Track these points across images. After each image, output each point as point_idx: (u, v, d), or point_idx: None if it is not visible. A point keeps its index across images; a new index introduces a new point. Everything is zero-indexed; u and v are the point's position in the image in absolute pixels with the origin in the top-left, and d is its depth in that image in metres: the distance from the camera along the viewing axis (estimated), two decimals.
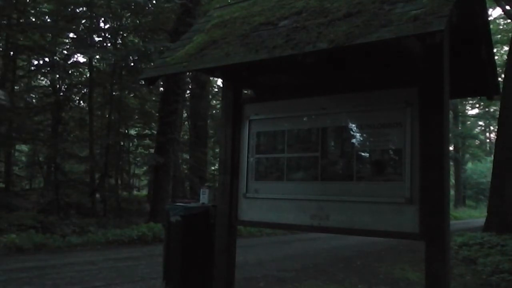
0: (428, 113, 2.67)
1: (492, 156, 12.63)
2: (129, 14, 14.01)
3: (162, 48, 11.33)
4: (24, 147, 18.01)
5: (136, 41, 15.07)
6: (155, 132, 15.23)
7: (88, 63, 14.21)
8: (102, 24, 14.45)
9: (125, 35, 14.79)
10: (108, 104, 14.63)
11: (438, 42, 2.10)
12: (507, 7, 12.22)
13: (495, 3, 12.91)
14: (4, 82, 13.39)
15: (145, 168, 18.46)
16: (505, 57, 14.42)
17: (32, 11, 13.33)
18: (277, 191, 3.32)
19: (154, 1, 14.09)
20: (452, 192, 28.07)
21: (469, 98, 22.99)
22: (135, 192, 19.99)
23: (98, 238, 9.82)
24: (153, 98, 16.97)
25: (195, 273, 3.98)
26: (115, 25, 14.27)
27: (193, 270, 3.98)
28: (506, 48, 18.36)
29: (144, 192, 21.66)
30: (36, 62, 14.74)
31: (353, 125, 2.97)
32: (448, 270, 2.60)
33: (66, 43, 14.71)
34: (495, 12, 23.36)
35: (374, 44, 2.25)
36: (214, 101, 20.44)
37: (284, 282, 5.90)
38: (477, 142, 33.71)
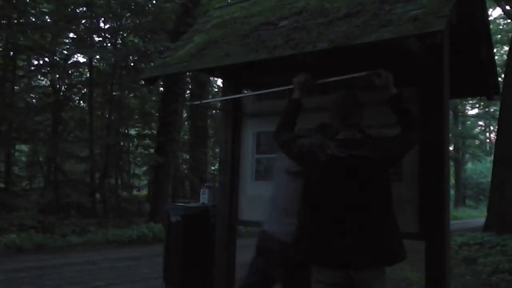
0: (428, 113, 2.67)
1: (492, 156, 12.61)
2: (129, 14, 13.99)
3: (162, 48, 11.31)
4: (24, 147, 17.99)
5: (136, 41, 15.05)
6: (155, 132, 15.22)
7: (88, 63, 14.20)
8: (102, 24, 14.45)
9: (125, 35, 14.77)
10: (108, 104, 14.61)
11: (438, 42, 2.10)
12: (507, 7, 12.21)
13: (495, 3, 12.90)
14: (4, 82, 13.38)
15: (145, 168, 18.45)
16: (505, 57, 14.41)
17: (32, 11, 13.30)
18: None
19: (154, 1, 14.08)
20: (452, 192, 28.05)
21: (469, 98, 22.97)
22: (135, 192, 19.97)
23: (98, 238, 9.81)
24: (153, 98, 16.95)
25: (195, 273, 3.98)
26: (115, 25, 14.26)
27: (193, 270, 3.98)
28: (506, 48, 18.33)
29: (144, 192, 21.64)
30: (36, 62, 14.73)
31: None
32: (448, 270, 2.60)
33: (66, 43, 14.70)
34: (495, 12, 23.34)
35: (374, 44, 2.26)
36: None
37: None
38: (477, 142, 33.66)
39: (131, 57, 13.66)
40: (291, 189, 2.63)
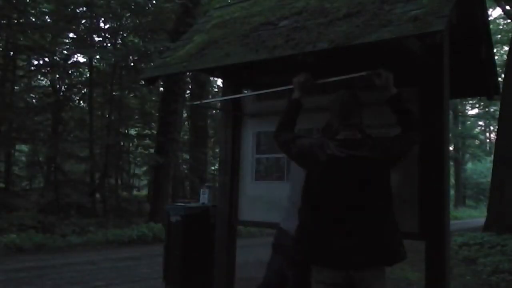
0: (428, 113, 2.67)
1: (492, 156, 12.61)
2: (129, 14, 13.99)
3: (162, 48, 11.32)
4: (24, 147, 17.99)
5: (136, 41, 15.06)
6: (155, 132, 15.22)
7: (88, 63, 14.20)
8: (102, 24, 14.45)
9: (125, 35, 14.77)
10: (108, 104, 14.61)
11: (438, 42, 2.10)
12: (507, 7, 12.21)
13: (495, 3, 12.90)
14: (4, 82, 13.38)
15: (145, 168, 18.45)
16: (505, 57, 14.41)
17: (32, 11, 13.30)
18: (277, 191, 3.31)
19: (154, 1, 14.08)
20: (452, 192, 28.05)
21: (469, 98, 22.97)
22: (135, 192, 19.97)
23: (98, 238, 9.81)
24: (153, 98, 16.95)
25: (195, 273, 3.98)
26: (115, 25, 14.26)
27: (193, 270, 3.98)
28: (506, 48, 18.33)
29: (144, 192, 21.65)
30: (36, 62, 14.73)
31: None
32: (448, 270, 2.60)
33: (66, 43, 14.70)
34: (495, 12, 23.35)
35: (374, 44, 2.25)
36: None
37: None
38: (477, 142, 33.65)
39: (131, 57, 13.66)
40: None
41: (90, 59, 13.73)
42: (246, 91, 3.94)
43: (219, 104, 4.34)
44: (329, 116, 2.41)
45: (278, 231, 2.83)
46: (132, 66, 14.18)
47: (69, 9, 13.34)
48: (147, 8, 13.63)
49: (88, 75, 14.71)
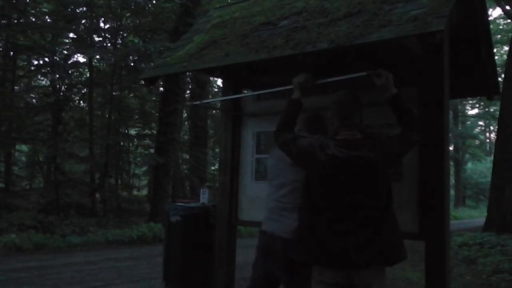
0: (428, 113, 2.67)
1: (492, 156, 12.61)
2: (129, 14, 14.00)
3: (162, 48, 11.32)
4: (24, 147, 18.00)
5: (136, 41, 15.06)
6: (155, 132, 15.22)
7: (88, 63, 14.21)
8: (102, 24, 14.45)
9: (125, 35, 14.78)
10: (108, 104, 14.61)
11: (438, 42, 2.10)
12: (507, 7, 12.22)
13: (495, 3, 12.90)
14: (4, 82, 13.38)
15: (145, 168, 18.45)
16: (505, 57, 14.41)
17: (32, 11, 13.30)
18: None
19: (154, 1, 14.08)
20: (452, 192, 28.06)
21: (469, 98, 22.98)
22: (135, 192, 19.97)
23: (98, 238, 9.81)
24: (153, 98, 16.96)
25: (195, 273, 3.98)
26: (115, 25, 14.26)
27: (193, 270, 3.98)
28: (506, 48, 18.35)
29: (144, 192, 21.66)
30: (36, 62, 14.73)
31: None
32: (448, 270, 2.60)
33: (66, 43, 14.70)
34: (495, 12, 23.40)
35: (374, 44, 2.25)
36: None
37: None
38: (477, 142, 33.64)
39: (131, 57, 13.66)
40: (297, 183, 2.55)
41: (90, 59, 13.73)
42: (246, 91, 3.94)
43: (219, 104, 4.34)
44: (329, 116, 2.41)
45: (260, 234, 2.78)
46: (132, 66, 14.18)
47: (69, 9, 13.33)
48: (147, 8, 13.63)
49: (88, 75, 14.71)
